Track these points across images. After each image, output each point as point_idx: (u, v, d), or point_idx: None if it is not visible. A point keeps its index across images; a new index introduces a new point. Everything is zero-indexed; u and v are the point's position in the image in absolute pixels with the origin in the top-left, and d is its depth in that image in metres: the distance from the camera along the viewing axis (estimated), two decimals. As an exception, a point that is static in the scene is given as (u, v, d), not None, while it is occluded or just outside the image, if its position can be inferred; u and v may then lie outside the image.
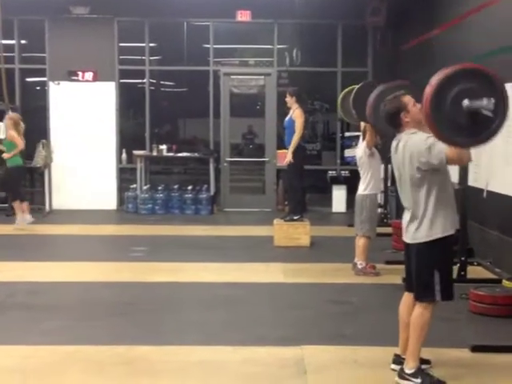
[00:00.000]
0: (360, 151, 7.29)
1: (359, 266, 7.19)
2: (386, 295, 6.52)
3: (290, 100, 8.89)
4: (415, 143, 4.15)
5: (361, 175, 7.32)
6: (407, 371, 4.22)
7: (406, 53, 11.60)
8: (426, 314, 4.27)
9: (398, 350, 4.47)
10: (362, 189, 7.25)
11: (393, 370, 4.40)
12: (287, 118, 9.01)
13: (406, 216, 4.31)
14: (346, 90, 8.37)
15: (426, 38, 10.33)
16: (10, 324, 5.54)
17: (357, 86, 7.49)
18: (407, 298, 4.45)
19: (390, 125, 4.36)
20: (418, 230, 4.23)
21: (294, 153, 8.74)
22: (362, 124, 7.46)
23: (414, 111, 4.24)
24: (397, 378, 4.27)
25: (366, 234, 7.21)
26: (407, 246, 4.37)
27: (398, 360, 4.41)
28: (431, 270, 4.19)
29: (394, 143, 4.37)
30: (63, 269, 7.53)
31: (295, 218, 8.87)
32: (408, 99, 4.29)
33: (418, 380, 4.17)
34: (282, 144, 12.22)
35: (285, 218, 8.95)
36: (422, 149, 4.08)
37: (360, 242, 7.23)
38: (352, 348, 4.91)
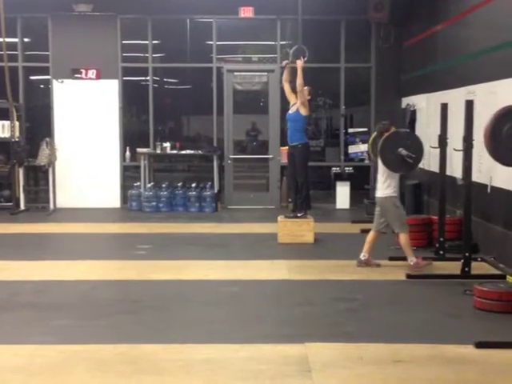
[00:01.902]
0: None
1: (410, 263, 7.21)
2: (390, 292, 6.54)
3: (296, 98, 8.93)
4: None
5: (378, 178, 7.35)
6: None
7: (410, 48, 11.59)
8: None
9: None
10: (381, 191, 7.28)
11: None
12: (292, 112, 8.98)
13: None
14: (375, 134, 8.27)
15: (430, 33, 10.31)
16: (15, 323, 5.55)
17: (385, 135, 7.29)
18: None
19: None
20: None
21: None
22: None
23: None
24: None
25: (402, 231, 7.25)
26: None
27: None
28: None
29: None
30: (68, 267, 7.54)
31: (299, 214, 8.87)
32: None
33: None
34: (285, 141, 12.27)
35: (288, 215, 8.95)
36: None
37: (402, 240, 7.27)
38: (357, 345, 4.91)
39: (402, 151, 7.00)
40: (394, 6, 11.65)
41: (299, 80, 8.85)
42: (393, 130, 7.47)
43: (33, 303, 6.10)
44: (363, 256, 7.40)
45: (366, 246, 7.44)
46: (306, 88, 8.88)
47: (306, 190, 8.97)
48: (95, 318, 5.66)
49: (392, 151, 7.03)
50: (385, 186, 7.26)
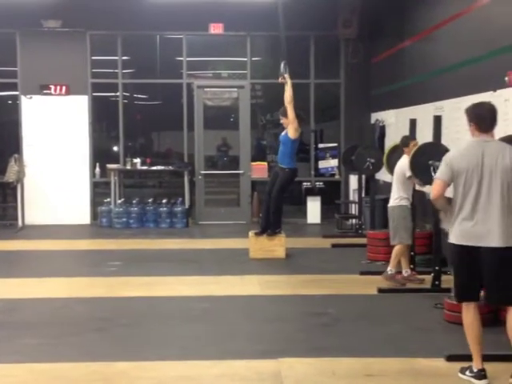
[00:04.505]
0: (403, 166, 7.18)
1: (395, 273, 7.18)
2: (362, 306, 6.57)
3: (285, 121, 8.86)
4: None
5: (393, 187, 7.34)
6: None
7: (378, 64, 11.73)
8: None
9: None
10: (392, 200, 7.27)
11: None
12: (283, 134, 8.93)
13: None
14: (392, 146, 8.33)
15: (398, 49, 10.46)
16: (-16, 342, 5.47)
17: (418, 146, 7.02)
18: (475, 309, 4.49)
19: (492, 120, 4.57)
20: None
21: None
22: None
23: None
24: None
25: (402, 242, 7.18)
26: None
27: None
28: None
29: (477, 146, 4.51)
30: (37, 285, 7.45)
31: (277, 231, 8.87)
32: None
33: None
34: (256, 156, 12.34)
35: (267, 233, 8.85)
36: None
37: (394, 250, 7.21)
38: (330, 360, 4.93)
39: (435, 163, 6.44)
40: (363, 22, 11.79)
41: (289, 92, 8.81)
42: (414, 143, 7.40)
43: (1, 322, 6.02)
44: (390, 271, 7.18)
45: (394, 260, 7.21)
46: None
47: (277, 210, 8.93)
48: (66, 336, 5.60)
49: (424, 162, 6.85)
50: (397, 195, 7.20)
